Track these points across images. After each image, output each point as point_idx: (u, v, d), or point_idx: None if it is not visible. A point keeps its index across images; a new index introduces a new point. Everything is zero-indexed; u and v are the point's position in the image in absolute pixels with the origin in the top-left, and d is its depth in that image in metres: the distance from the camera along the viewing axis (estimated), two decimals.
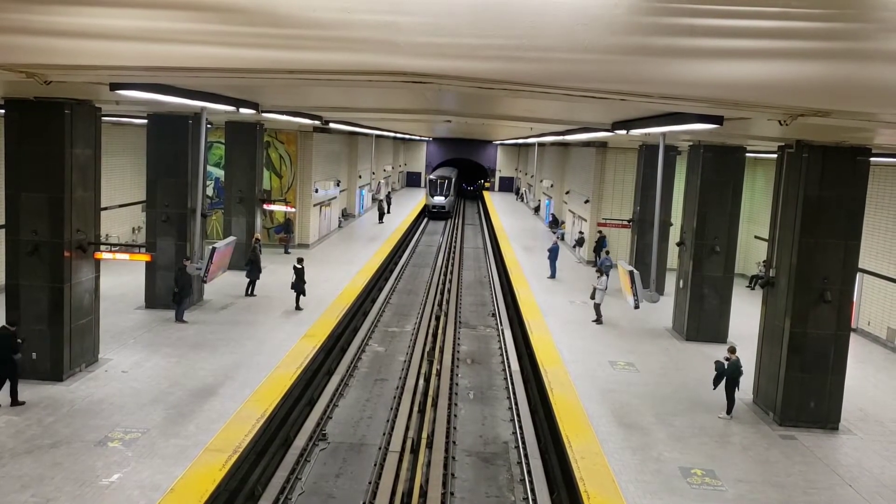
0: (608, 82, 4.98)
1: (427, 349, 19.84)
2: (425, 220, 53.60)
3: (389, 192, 60.67)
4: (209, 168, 32.66)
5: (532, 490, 12.03)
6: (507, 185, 75.63)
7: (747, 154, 20.16)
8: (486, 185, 76.90)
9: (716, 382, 14.46)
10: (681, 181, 23.97)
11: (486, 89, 5.62)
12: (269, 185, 32.43)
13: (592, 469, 11.65)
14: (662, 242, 22.99)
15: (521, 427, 14.61)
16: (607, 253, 27.61)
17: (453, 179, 56.16)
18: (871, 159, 13.88)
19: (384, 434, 14.17)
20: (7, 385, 13.02)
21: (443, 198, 53.57)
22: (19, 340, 13.29)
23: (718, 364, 14.46)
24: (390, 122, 28.70)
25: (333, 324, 19.67)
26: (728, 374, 14.27)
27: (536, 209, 53.60)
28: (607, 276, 21.71)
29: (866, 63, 4.32)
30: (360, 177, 46.73)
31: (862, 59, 4.29)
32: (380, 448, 13.52)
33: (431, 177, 55.88)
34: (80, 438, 11.80)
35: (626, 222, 27.20)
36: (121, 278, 22.74)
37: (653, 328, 21.05)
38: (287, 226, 32.16)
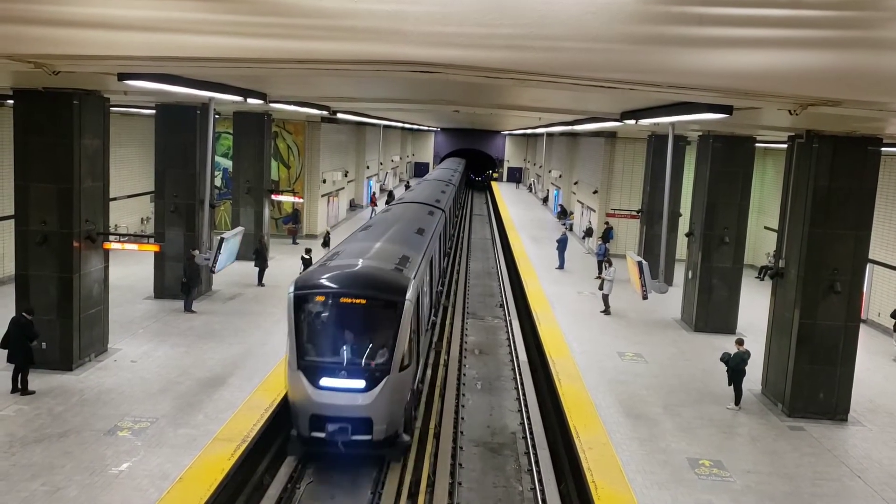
0: (617, 72, 4.94)
1: (434, 339, 19.85)
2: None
3: (408, 182, 60.06)
4: (217, 158, 32.71)
5: (539, 480, 12.04)
6: (516, 176, 75.56)
7: (757, 144, 20.04)
8: (495, 175, 76.87)
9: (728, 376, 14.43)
10: (690, 171, 23.84)
11: (494, 79, 5.60)
12: (277, 175, 32.48)
13: (600, 460, 11.65)
14: (671, 233, 22.94)
15: (528, 417, 14.61)
16: (604, 242, 27.72)
17: (423, 252, 15.56)
18: (882, 149, 13.78)
19: None
20: (18, 374, 13.13)
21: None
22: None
23: (724, 355, 14.44)
24: (398, 112, 28.64)
25: None
26: (732, 366, 14.24)
27: (545, 199, 53.49)
28: (599, 256, 21.56)
29: (878, 52, 4.27)
30: (367, 167, 46.73)
31: (873, 48, 4.25)
32: None
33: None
34: (90, 427, 11.88)
35: (634, 213, 27.13)
36: (129, 269, 22.82)
37: (661, 319, 21.00)
38: (295, 216, 32.23)
